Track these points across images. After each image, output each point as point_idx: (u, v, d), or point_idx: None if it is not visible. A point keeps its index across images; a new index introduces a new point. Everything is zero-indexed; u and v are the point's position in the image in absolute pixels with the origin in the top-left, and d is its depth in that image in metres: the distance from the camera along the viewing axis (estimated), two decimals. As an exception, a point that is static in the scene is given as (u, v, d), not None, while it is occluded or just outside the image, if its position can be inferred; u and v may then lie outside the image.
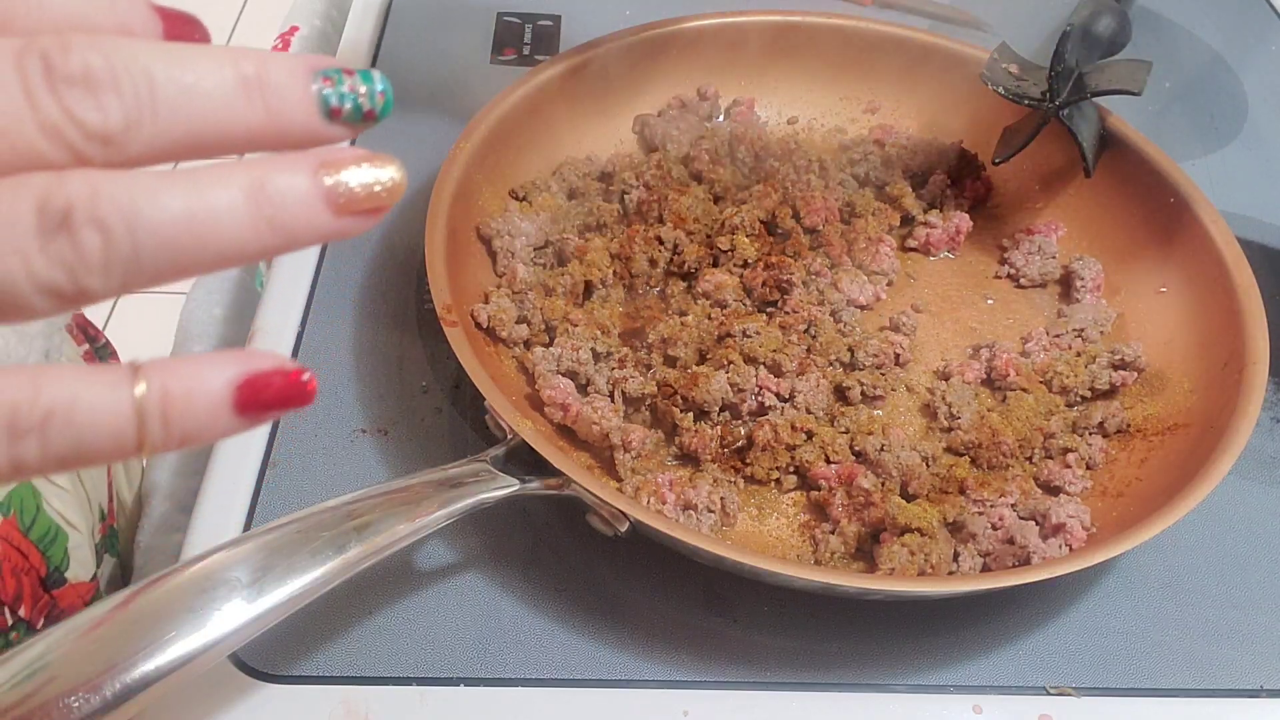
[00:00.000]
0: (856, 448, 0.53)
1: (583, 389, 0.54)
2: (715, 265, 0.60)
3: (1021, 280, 0.63)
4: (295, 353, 0.56)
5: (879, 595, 0.46)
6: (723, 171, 0.65)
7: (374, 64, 0.74)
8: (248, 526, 0.49)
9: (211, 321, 0.61)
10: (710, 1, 0.70)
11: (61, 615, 0.51)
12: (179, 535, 0.50)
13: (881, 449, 0.52)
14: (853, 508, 0.50)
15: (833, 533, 0.50)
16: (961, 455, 0.54)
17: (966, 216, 0.65)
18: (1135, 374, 0.57)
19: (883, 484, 0.51)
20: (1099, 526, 0.50)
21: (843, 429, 0.54)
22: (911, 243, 0.65)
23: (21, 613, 0.49)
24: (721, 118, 0.70)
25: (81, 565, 0.53)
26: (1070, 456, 0.53)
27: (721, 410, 0.53)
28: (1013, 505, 0.51)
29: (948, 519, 0.50)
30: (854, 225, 0.63)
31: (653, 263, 0.60)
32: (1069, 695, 0.47)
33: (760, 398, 0.53)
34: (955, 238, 0.64)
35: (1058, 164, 0.66)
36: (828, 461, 0.52)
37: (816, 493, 0.52)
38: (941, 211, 0.66)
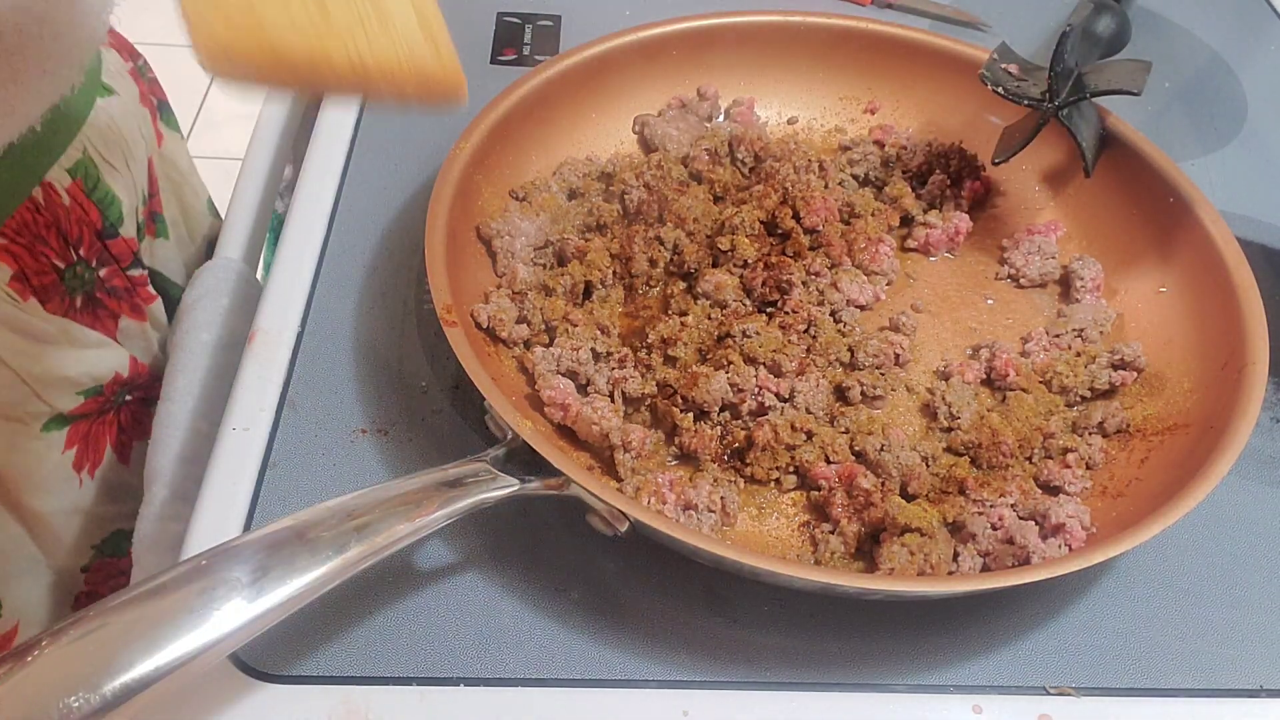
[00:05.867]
0: (856, 448, 0.53)
1: (583, 389, 0.54)
2: (715, 265, 0.60)
3: (1021, 280, 0.63)
4: (295, 353, 0.56)
5: (879, 595, 0.46)
6: (723, 171, 0.65)
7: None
8: (248, 526, 0.49)
9: (219, 311, 0.61)
10: (710, 2, 0.70)
11: (108, 260, 0.62)
12: (178, 525, 0.50)
13: (881, 449, 0.52)
14: (853, 508, 0.50)
15: (833, 533, 0.50)
16: (961, 455, 0.54)
17: (966, 217, 0.65)
18: (1135, 374, 0.57)
19: (883, 484, 0.51)
20: (1099, 526, 0.50)
21: (843, 429, 0.54)
22: (911, 243, 0.65)
23: (81, 253, 0.59)
24: (721, 118, 0.70)
25: (127, 228, 0.64)
26: (1070, 456, 0.53)
27: (721, 410, 0.53)
28: (1013, 505, 0.51)
29: (948, 519, 0.50)
30: (854, 225, 0.63)
31: (653, 263, 0.60)
32: (1069, 695, 0.47)
33: (760, 398, 0.53)
34: (955, 238, 0.64)
35: (1058, 164, 0.66)
36: (828, 461, 0.52)
37: (816, 493, 0.52)
38: (941, 212, 0.66)
